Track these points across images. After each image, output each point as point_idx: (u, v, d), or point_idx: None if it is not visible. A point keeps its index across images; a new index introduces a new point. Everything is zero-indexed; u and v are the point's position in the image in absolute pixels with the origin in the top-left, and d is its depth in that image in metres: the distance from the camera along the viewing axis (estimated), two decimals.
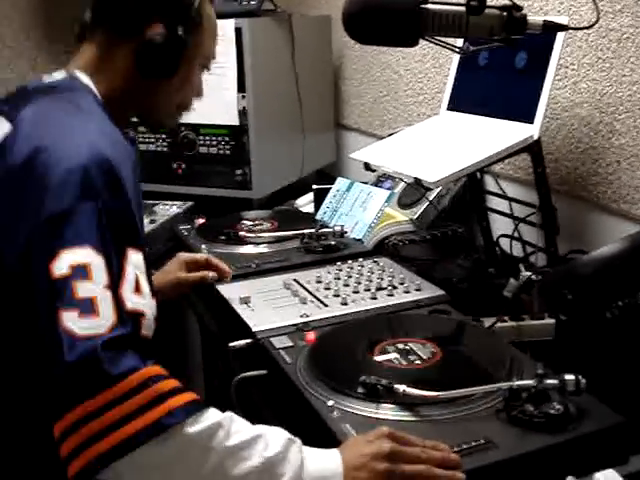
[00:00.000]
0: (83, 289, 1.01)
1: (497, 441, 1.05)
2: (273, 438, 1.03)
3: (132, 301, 1.05)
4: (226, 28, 2.32)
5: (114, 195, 1.09)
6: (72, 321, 0.99)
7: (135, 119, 1.45)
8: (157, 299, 1.17)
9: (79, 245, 1.03)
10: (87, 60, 1.33)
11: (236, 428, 1.02)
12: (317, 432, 1.14)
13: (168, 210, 2.34)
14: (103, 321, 1.00)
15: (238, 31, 2.36)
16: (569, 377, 1.11)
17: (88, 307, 1.00)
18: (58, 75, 1.32)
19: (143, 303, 1.07)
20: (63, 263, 1.02)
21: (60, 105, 1.22)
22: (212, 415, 1.01)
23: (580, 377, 1.11)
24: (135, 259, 1.09)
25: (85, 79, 1.30)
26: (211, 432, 0.99)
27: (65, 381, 0.98)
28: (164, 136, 2.56)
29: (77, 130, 1.15)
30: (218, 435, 0.99)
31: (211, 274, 1.71)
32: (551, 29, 1.32)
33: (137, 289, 1.07)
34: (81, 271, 1.02)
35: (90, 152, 1.09)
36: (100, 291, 1.02)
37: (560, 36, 1.58)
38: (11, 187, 1.11)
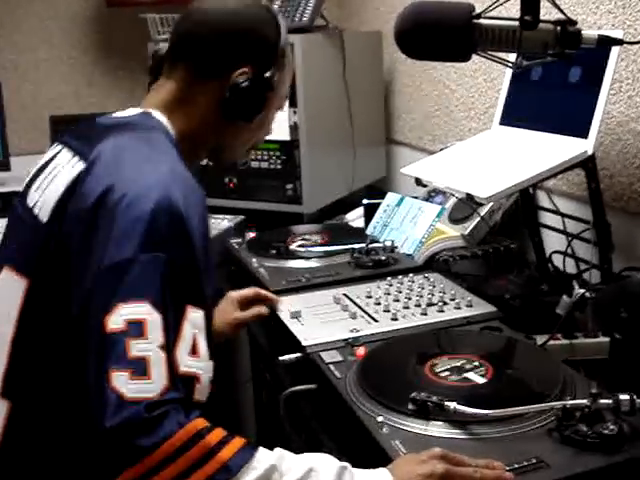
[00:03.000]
0: (137, 348, 0.98)
1: (549, 461, 1.04)
2: (324, 470, 1.01)
3: (186, 364, 1.02)
4: None
5: (179, 247, 1.06)
6: (122, 382, 0.96)
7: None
8: (216, 344, 1.14)
9: (137, 299, 1.01)
10: (164, 98, 1.31)
11: (287, 466, 1.00)
12: (366, 448, 1.13)
13: (219, 224, 2.36)
14: (154, 385, 0.97)
15: (290, 47, 2.37)
16: (624, 397, 1.09)
17: (140, 368, 0.97)
18: (131, 112, 1.30)
19: (198, 366, 1.03)
20: (119, 317, 0.99)
21: (133, 143, 1.20)
22: (264, 458, 0.99)
23: (635, 397, 1.09)
24: (194, 317, 1.05)
25: (160, 117, 1.28)
26: (266, 479, 0.98)
27: (106, 447, 0.96)
28: None
29: (149, 171, 1.12)
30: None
31: (264, 309, 1.65)
32: (606, 43, 1.31)
33: (194, 351, 1.03)
34: (137, 328, 0.99)
35: (160, 197, 1.07)
36: (154, 351, 0.99)
37: (615, 50, 1.56)
38: (82, 228, 1.09)
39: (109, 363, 0.97)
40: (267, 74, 1.31)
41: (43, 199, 1.20)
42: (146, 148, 1.19)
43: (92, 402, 0.98)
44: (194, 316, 1.05)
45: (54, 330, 1.12)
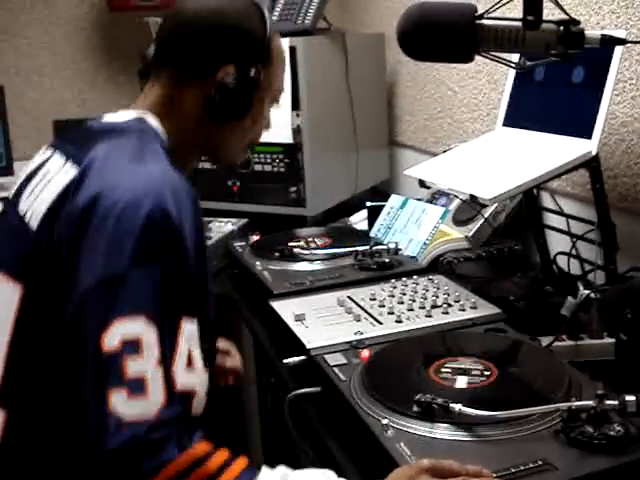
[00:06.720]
0: (133, 367, 0.98)
1: (556, 463, 1.03)
2: None
3: (183, 380, 1.01)
4: None
5: (172, 258, 1.05)
6: (121, 403, 0.96)
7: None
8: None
9: (133, 314, 1.00)
10: (154, 101, 1.29)
11: None
12: (371, 450, 1.13)
13: (223, 227, 2.37)
14: (152, 405, 0.97)
15: (292, 50, 2.37)
16: (630, 398, 1.08)
17: (138, 387, 0.97)
18: (124, 116, 1.28)
19: (194, 380, 1.04)
20: (115, 336, 0.99)
21: (126, 148, 1.18)
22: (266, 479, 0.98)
23: None
24: (189, 330, 1.05)
25: (153, 121, 1.27)
26: None
27: (107, 469, 0.95)
28: None
29: (140, 178, 1.11)
30: None
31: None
32: (609, 43, 1.30)
33: (189, 363, 1.03)
34: (133, 346, 0.98)
35: (152, 206, 1.05)
36: (151, 369, 0.99)
37: (618, 50, 1.56)
38: (72, 234, 1.08)
39: (107, 383, 0.97)
40: (252, 72, 1.27)
41: (35, 206, 1.18)
42: (137, 154, 1.17)
43: (91, 423, 0.98)
44: (189, 328, 1.05)
45: (49, 337, 1.11)
